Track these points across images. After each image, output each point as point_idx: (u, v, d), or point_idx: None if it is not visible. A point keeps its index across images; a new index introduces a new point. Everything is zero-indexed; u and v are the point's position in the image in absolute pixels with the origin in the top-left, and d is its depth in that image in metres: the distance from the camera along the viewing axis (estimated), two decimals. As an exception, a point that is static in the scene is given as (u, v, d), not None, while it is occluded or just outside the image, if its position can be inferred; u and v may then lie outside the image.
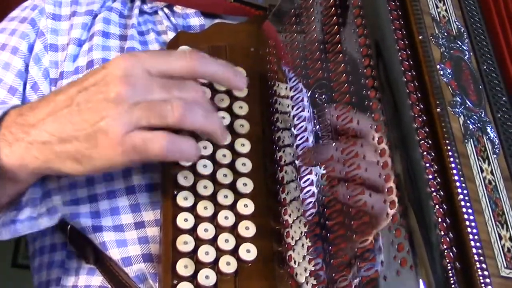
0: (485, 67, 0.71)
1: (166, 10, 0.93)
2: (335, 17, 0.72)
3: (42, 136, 0.66)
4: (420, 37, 0.67)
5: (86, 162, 0.65)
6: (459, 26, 0.71)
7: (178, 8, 0.93)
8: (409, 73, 0.64)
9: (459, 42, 0.69)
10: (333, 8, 0.73)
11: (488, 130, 0.65)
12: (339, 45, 0.71)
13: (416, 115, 0.62)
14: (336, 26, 0.72)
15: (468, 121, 0.63)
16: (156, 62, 0.67)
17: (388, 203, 0.59)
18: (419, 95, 0.63)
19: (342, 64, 0.69)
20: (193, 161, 0.72)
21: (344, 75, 0.69)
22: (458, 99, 0.64)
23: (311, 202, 0.69)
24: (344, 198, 0.64)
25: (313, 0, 0.77)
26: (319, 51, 0.73)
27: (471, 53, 0.70)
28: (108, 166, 0.65)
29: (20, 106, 0.72)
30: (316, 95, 0.73)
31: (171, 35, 0.89)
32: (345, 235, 0.63)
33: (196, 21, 0.93)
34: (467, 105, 0.65)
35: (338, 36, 0.71)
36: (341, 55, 0.70)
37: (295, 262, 0.68)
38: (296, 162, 0.73)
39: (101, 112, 0.64)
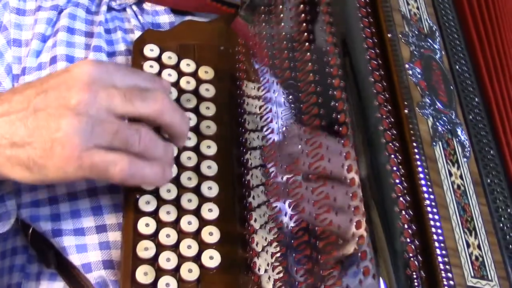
0: (457, 67, 0.68)
1: (134, 7, 0.90)
2: (303, 14, 0.70)
3: None
4: (389, 35, 0.64)
5: (37, 170, 0.62)
6: (431, 24, 0.69)
7: (147, 5, 0.90)
8: (377, 73, 0.62)
9: (430, 41, 0.67)
10: (302, 5, 0.70)
11: (459, 132, 0.62)
12: (307, 44, 0.68)
13: (383, 117, 0.60)
14: (304, 24, 0.69)
15: (437, 123, 0.61)
16: (123, 75, 0.64)
17: (352, 208, 0.56)
18: (387, 95, 0.61)
19: (309, 63, 0.67)
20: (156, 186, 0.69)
21: (311, 74, 0.66)
22: (427, 100, 0.62)
23: (277, 206, 0.66)
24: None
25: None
26: (287, 49, 0.71)
27: (443, 52, 0.68)
28: (61, 178, 0.62)
29: None
30: (283, 96, 0.70)
31: (138, 34, 0.86)
32: (309, 241, 0.60)
33: (165, 18, 0.90)
34: (436, 106, 0.62)
35: (306, 34, 0.68)
36: (308, 53, 0.67)
37: (259, 269, 0.66)
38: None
39: (59, 120, 0.60)
